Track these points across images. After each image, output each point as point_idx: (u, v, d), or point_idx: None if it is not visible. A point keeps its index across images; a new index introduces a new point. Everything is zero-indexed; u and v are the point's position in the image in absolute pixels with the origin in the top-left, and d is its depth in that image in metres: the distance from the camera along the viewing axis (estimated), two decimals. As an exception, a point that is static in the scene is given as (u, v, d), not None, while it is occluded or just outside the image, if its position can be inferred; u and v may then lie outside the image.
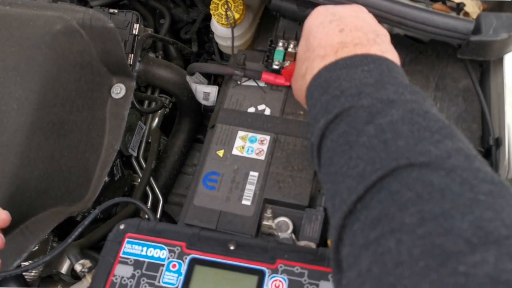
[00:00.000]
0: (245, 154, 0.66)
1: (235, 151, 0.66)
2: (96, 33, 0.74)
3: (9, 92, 0.68)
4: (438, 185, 0.34)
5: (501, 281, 0.27)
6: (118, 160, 0.84)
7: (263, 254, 0.53)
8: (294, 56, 0.70)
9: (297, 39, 0.73)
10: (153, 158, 0.89)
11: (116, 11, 0.87)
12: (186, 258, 0.54)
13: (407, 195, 0.35)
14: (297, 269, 0.51)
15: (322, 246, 0.58)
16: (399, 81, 0.44)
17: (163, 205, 0.88)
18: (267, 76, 0.71)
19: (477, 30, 0.57)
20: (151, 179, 0.88)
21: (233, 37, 0.79)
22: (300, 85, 0.52)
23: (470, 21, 0.58)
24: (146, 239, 0.55)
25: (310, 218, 0.59)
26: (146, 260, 0.54)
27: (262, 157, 0.65)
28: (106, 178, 0.77)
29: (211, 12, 0.79)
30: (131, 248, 0.55)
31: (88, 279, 0.61)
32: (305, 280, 0.50)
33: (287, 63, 0.70)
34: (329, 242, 0.58)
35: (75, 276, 0.72)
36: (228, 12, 0.77)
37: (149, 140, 0.94)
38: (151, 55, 0.96)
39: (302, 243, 0.57)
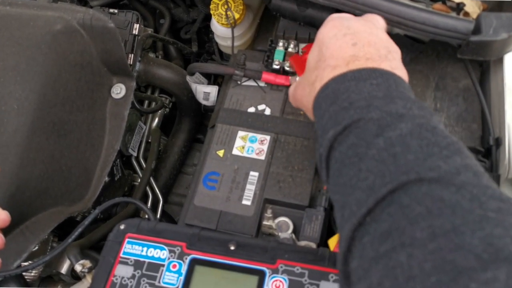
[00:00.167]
0: (245, 154, 0.66)
1: (235, 151, 0.66)
2: (97, 33, 0.74)
3: (9, 92, 0.68)
4: (448, 201, 0.35)
5: None
6: (118, 160, 0.84)
7: (263, 254, 0.53)
8: (294, 56, 0.70)
9: (297, 39, 0.73)
10: (153, 158, 0.89)
11: (116, 11, 0.87)
12: (186, 258, 0.54)
13: (418, 210, 0.35)
14: (297, 269, 0.51)
15: (322, 246, 0.58)
16: (407, 96, 0.45)
17: (163, 205, 0.88)
18: (267, 76, 0.71)
19: (477, 30, 0.57)
20: (151, 179, 0.88)
21: (233, 37, 0.79)
22: (308, 92, 0.52)
23: (470, 21, 0.58)
24: (147, 239, 0.55)
25: (311, 218, 0.59)
26: (147, 260, 0.54)
27: (262, 157, 0.65)
28: (106, 178, 0.77)
29: (211, 12, 0.79)
30: (131, 248, 0.55)
31: (88, 280, 0.61)
32: (305, 280, 0.50)
33: (287, 63, 0.70)
34: (329, 242, 0.58)
35: (75, 276, 0.72)
36: (228, 12, 0.77)
37: (149, 140, 0.94)
38: (151, 55, 0.96)
39: (303, 243, 0.57)
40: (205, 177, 0.64)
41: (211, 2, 0.79)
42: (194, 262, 0.53)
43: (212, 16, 0.80)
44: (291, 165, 0.64)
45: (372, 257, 0.36)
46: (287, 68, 0.70)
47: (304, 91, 0.54)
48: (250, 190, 0.63)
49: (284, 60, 0.71)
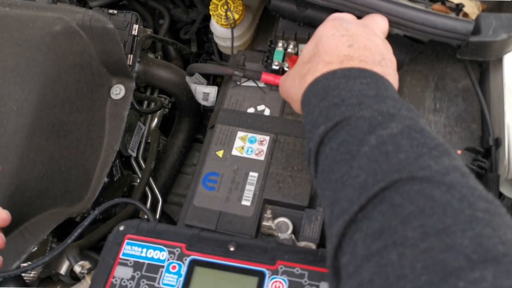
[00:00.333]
0: (244, 155, 0.66)
1: (234, 152, 0.66)
2: (96, 34, 0.74)
3: (8, 93, 0.68)
4: (439, 200, 0.35)
5: None
6: (117, 160, 0.84)
7: (263, 255, 0.53)
8: (294, 56, 0.70)
9: (296, 39, 0.73)
10: (152, 158, 0.89)
11: (115, 11, 0.87)
12: (186, 260, 0.54)
13: (409, 209, 0.36)
14: (297, 270, 0.51)
15: (322, 247, 0.58)
16: (396, 98, 0.46)
17: (162, 205, 0.88)
18: (266, 77, 0.71)
19: (476, 30, 0.57)
20: (151, 179, 0.88)
21: (232, 38, 0.79)
22: (298, 84, 0.52)
23: (469, 22, 0.58)
24: (146, 240, 0.55)
25: (310, 219, 0.59)
26: (146, 261, 0.54)
27: (262, 158, 0.65)
28: (106, 179, 0.77)
29: (211, 12, 0.79)
30: (131, 249, 0.55)
31: (87, 280, 0.61)
32: (305, 281, 0.50)
33: (286, 64, 0.70)
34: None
35: (75, 277, 0.72)
36: (228, 13, 0.77)
37: (149, 141, 0.94)
38: (151, 55, 0.96)
39: (302, 243, 0.57)
40: (205, 177, 0.64)
41: (211, 2, 0.79)
42: (193, 263, 0.53)
43: (212, 16, 0.80)
44: (290, 165, 0.64)
45: (364, 254, 0.36)
46: (286, 69, 0.70)
47: (293, 82, 0.54)
48: (249, 191, 0.63)
49: (283, 60, 0.71)
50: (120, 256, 0.54)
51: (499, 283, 0.29)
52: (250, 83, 0.72)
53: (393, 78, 0.50)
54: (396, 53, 0.56)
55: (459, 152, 0.62)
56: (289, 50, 0.71)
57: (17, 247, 0.65)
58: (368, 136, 0.42)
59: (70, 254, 0.64)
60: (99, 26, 0.73)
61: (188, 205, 0.63)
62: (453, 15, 0.61)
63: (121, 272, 0.53)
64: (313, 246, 0.57)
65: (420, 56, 0.70)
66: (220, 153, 0.66)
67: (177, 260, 0.54)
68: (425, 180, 0.37)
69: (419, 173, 0.38)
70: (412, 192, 0.37)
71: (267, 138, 0.67)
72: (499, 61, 0.63)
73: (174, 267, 0.53)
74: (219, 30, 0.82)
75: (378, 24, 0.56)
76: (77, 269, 0.62)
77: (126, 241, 0.55)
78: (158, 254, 0.54)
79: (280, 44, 0.72)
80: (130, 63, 0.83)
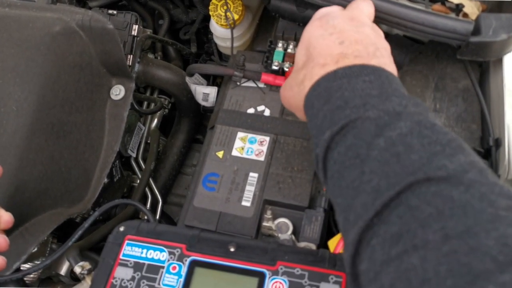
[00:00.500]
0: (244, 155, 0.66)
1: (234, 152, 0.66)
2: (96, 35, 0.74)
3: (8, 93, 0.68)
4: (458, 201, 0.34)
5: None
6: (117, 161, 0.84)
7: (263, 256, 0.53)
8: (293, 57, 0.70)
9: (296, 39, 0.73)
10: (152, 159, 0.89)
11: (115, 12, 0.87)
12: (186, 260, 0.53)
13: (428, 211, 0.35)
14: (297, 271, 0.51)
15: (322, 247, 0.58)
16: (401, 93, 0.45)
17: (162, 206, 0.88)
18: (266, 77, 0.71)
19: (476, 31, 0.57)
20: (150, 180, 0.88)
21: (232, 38, 0.79)
22: (297, 92, 0.51)
23: (469, 22, 0.58)
24: (146, 241, 0.55)
25: (310, 219, 0.59)
26: (146, 262, 0.54)
27: (262, 158, 0.65)
28: (106, 179, 0.77)
29: (210, 13, 0.79)
30: (131, 250, 0.55)
31: (87, 281, 0.61)
32: (305, 282, 0.50)
33: (286, 64, 0.70)
34: (329, 243, 0.58)
35: (75, 278, 0.72)
36: (228, 13, 0.77)
37: (148, 141, 0.94)
38: (150, 56, 0.96)
39: (302, 244, 0.57)
40: (205, 178, 0.64)
41: (210, 3, 0.79)
42: (194, 264, 0.53)
43: (211, 17, 0.79)
44: (290, 166, 0.64)
45: (383, 260, 0.35)
46: (286, 69, 0.70)
47: (292, 91, 0.53)
48: (249, 191, 0.63)
49: (283, 61, 0.70)
50: (120, 256, 0.54)
51: None
52: (250, 84, 0.72)
53: (390, 66, 0.49)
54: (396, 53, 0.56)
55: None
56: (289, 50, 0.71)
57: (17, 248, 0.65)
58: (376, 138, 0.40)
59: (70, 255, 0.64)
60: (99, 26, 0.73)
61: (188, 206, 0.63)
62: (453, 15, 0.61)
63: (121, 273, 0.53)
64: (313, 246, 0.57)
65: (420, 56, 0.70)
66: (220, 154, 0.66)
67: (177, 260, 0.54)
68: (442, 181, 0.36)
69: (435, 174, 0.37)
70: (430, 193, 0.36)
71: (267, 138, 0.67)
72: (499, 61, 0.63)
73: (174, 268, 0.53)
74: (219, 31, 0.82)
75: (363, 11, 0.55)
76: (77, 270, 0.62)
77: (126, 241, 0.55)
78: (158, 254, 0.54)
79: (280, 45, 0.72)
80: (130, 64, 0.83)
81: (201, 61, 1.06)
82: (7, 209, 0.57)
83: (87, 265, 0.62)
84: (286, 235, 0.59)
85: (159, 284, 0.52)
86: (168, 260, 0.54)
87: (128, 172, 0.90)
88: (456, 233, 0.32)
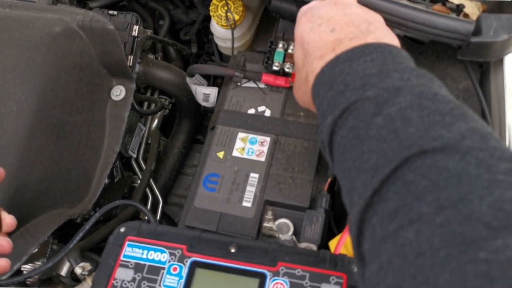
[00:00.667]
0: (245, 156, 0.66)
1: (235, 153, 0.66)
2: (96, 35, 0.74)
3: (8, 93, 0.68)
4: (453, 170, 0.33)
5: None
6: (118, 161, 0.84)
7: (264, 257, 0.53)
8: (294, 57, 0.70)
9: (297, 40, 0.73)
10: (153, 159, 0.89)
11: (115, 12, 0.87)
12: (187, 261, 0.53)
13: (423, 184, 0.34)
14: (298, 272, 0.51)
15: (323, 248, 0.58)
16: (404, 66, 0.44)
17: (163, 207, 0.88)
18: (267, 78, 0.71)
19: (477, 31, 0.57)
20: (151, 180, 0.88)
21: (233, 39, 0.79)
22: (304, 90, 0.52)
23: (470, 22, 0.58)
24: (147, 242, 0.55)
25: (311, 220, 0.59)
26: (147, 263, 0.54)
27: (263, 159, 0.65)
28: (106, 180, 0.76)
29: (211, 13, 0.79)
30: (132, 251, 0.54)
31: (88, 282, 0.61)
32: (306, 283, 0.50)
33: (287, 65, 0.70)
34: (330, 244, 0.58)
35: (75, 279, 0.72)
36: (228, 14, 0.77)
37: (149, 142, 0.94)
38: (151, 56, 0.96)
39: (303, 245, 0.57)
40: (205, 178, 0.64)
41: (211, 3, 0.79)
42: (194, 265, 0.53)
43: (212, 17, 0.79)
44: (291, 166, 0.64)
45: (382, 237, 0.35)
46: (287, 70, 0.70)
47: (300, 91, 0.54)
48: (250, 192, 0.62)
49: (284, 61, 0.70)
50: (121, 257, 0.54)
51: None
52: (251, 84, 0.72)
53: (389, 36, 0.48)
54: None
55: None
56: (289, 51, 0.71)
57: (18, 249, 0.65)
58: (375, 117, 0.40)
59: (71, 255, 0.63)
60: (99, 27, 0.73)
61: (188, 206, 0.63)
62: (453, 15, 0.61)
63: (122, 274, 0.53)
64: (314, 247, 0.57)
65: (420, 57, 0.70)
66: (220, 154, 0.66)
67: (178, 261, 0.53)
68: (437, 151, 0.35)
69: (430, 145, 0.35)
70: (425, 166, 0.35)
71: (268, 139, 0.67)
72: (500, 61, 0.63)
73: (175, 269, 0.53)
74: (219, 31, 0.82)
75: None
76: (78, 270, 0.62)
77: (127, 242, 0.55)
78: (159, 255, 0.54)
79: (280, 45, 0.72)
80: (130, 64, 0.83)
81: (201, 61, 1.06)
82: (7, 210, 0.57)
83: (87, 266, 0.62)
84: (287, 236, 0.59)
85: (160, 285, 0.52)
86: (169, 261, 0.54)
87: (128, 172, 0.90)
88: (450, 203, 0.32)
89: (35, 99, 0.68)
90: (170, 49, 1.03)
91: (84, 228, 0.64)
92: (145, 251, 0.54)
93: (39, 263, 0.72)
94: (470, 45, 0.58)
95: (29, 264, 0.71)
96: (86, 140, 0.75)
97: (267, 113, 0.69)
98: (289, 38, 0.73)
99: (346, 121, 0.42)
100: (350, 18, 0.49)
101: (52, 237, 0.75)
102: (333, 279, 0.50)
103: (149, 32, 0.92)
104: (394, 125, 0.38)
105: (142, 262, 0.54)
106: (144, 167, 0.90)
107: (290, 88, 0.71)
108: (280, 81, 0.70)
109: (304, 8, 0.55)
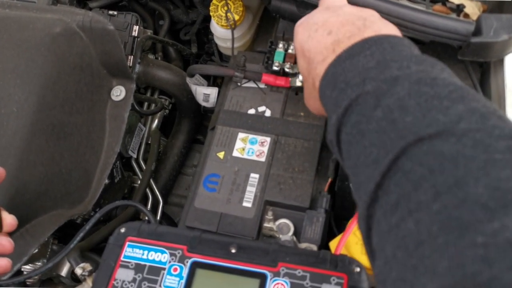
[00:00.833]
0: (245, 156, 0.66)
1: (235, 153, 0.66)
2: (96, 35, 0.74)
3: (8, 94, 0.68)
4: (449, 154, 0.32)
5: None
6: (118, 162, 0.84)
7: (264, 257, 0.53)
8: (294, 57, 0.70)
9: (297, 40, 0.73)
10: (153, 159, 0.89)
11: (115, 13, 0.87)
12: (187, 262, 0.53)
13: (420, 172, 0.33)
14: (299, 272, 0.51)
15: (323, 248, 0.58)
16: (404, 55, 0.43)
17: (163, 207, 0.88)
18: (267, 78, 0.71)
19: (477, 31, 0.57)
20: (151, 180, 0.88)
21: (233, 39, 0.79)
22: (314, 95, 0.52)
23: (470, 23, 0.58)
24: (147, 243, 0.55)
25: (311, 220, 0.59)
26: (147, 263, 0.54)
27: (263, 159, 0.65)
28: (106, 180, 0.76)
29: (211, 13, 0.79)
30: (132, 251, 0.54)
31: (88, 283, 0.61)
32: (307, 283, 0.50)
33: (287, 65, 0.70)
34: (330, 244, 0.58)
35: (75, 279, 0.72)
36: (228, 14, 0.77)
37: (149, 142, 0.94)
38: (151, 56, 0.96)
39: (304, 245, 0.57)
40: (206, 179, 0.64)
41: (211, 3, 0.79)
42: (195, 265, 0.53)
43: (212, 17, 0.79)
44: (291, 166, 0.64)
45: (386, 230, 0.34)
46: (287, 70, 0.70)
47: (311, 99, 0.55)
48: (250, 192, 0.62)
49: (284, 61, 0.70)
50: (121, 258, 0.54)
51: None
52: (251, 84, 0.72)
53: (386, 28, 0.48)
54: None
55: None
56: (289, 51, 0.71)
57: (18, 249, 0.65)
58: (375, 110, 0.40)
59: (71, 256, 0.63)
60: (99, 27, 0.73)
61: (189, 207, 0.63)
62: (454, 16, 0.61)
63: (123, 275, 0.53)
64: (314, 247, 0.57)
65: (420, 57, 0.70)
66: (221, 155, 0.66)
67: (178, 262, 0.53)
68: (433, 137, 0.34)
69: (425, 132, 0.35)
70: (421, 153, 0.34)
71: (268, 139, 0.67)
72: (500, 62, 0.63)
73: (175, 269, 0.53)
74: (219, 31, 0.82)
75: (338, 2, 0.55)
76: (78, 271, 0.62)
77: (127, 243, 0.55)
78: (159, 256, 0.54)
79: (280, 45, 0.71)
80: (130, 64, 0.83)
81: (201, 61, 1.06)
82: (7, 211, 0.56)
83: (88, 266, 0.62)
84: (287, 236, 0.59)
85: (160, 285, 0.52)
86: (169, 262, 0.54)
87: (128, 173, 0.90)
88: (446, 188, 0.31)
89: (35, 99, 0.68)
90: (170, 49, 1.03)
91: (84, 228, 0.63)
92: (146, 252, 0.54)
93: (39, 263, 0.72)
94: (471, 45, 0.58)
95: (29, 264, 0.71)
96: (86, 141, 0.75)
97: (267, 113, 0.69)
98: (289, 38, 0.73)
99: (349, 118, 0.42)
100: (344, 18, 0.49)
101: (52, 238, 0.75)
102: (333, 280, 0.50)
103: (149, 32, 0.92)
104: (392, 115, 0.38)
105: (142, 263, 0.54)
106: (144, 167, 0.90)
107: (290, 88, 0.71)
108: (280, 81, 0.70)
109: (299, 21, 0.55)
